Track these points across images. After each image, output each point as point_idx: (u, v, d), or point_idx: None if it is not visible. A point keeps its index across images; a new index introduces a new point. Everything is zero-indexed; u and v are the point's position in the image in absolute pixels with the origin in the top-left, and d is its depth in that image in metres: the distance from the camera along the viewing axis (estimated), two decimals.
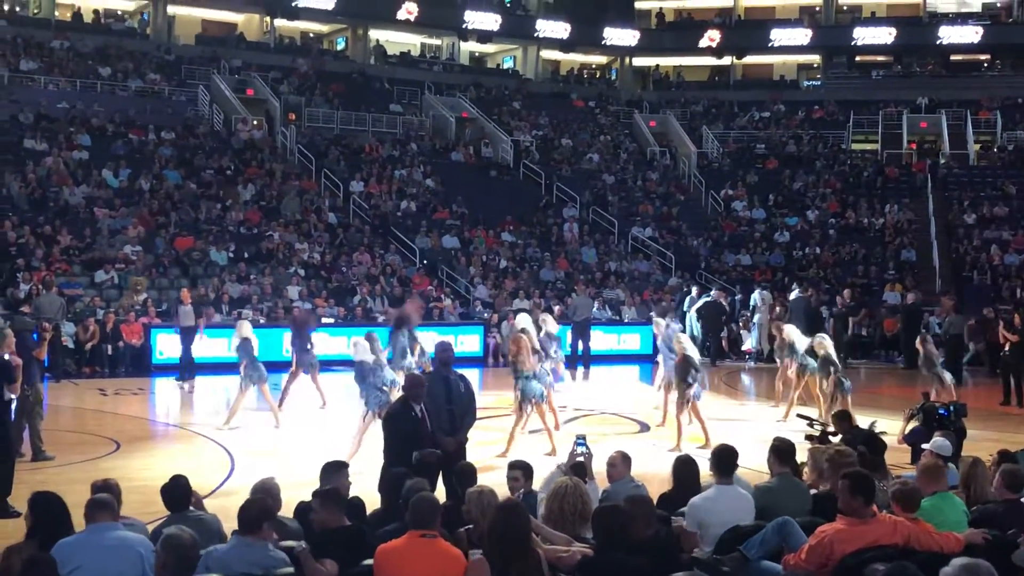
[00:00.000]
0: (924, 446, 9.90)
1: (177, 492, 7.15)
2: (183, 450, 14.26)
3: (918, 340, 17.62)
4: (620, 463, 8.27)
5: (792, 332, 17.29)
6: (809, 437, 10.82)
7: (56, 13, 39.05)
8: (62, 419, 16.07)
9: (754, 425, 16.13)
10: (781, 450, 8.22)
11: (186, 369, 19.97)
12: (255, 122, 35.10)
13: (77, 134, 30.23)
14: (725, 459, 7.66)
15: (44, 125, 30.38)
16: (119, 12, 41.79)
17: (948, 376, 17.18)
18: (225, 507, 9.64)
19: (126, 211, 27.02)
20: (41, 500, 6.44)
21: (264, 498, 6.64)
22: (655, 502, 7.68)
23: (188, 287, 22.55)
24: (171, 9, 41.13)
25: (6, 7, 39.25)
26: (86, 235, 25.58)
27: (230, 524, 7.39)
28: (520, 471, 7.96)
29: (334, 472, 7.67)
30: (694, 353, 14.83)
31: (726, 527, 7.09)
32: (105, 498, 6.31)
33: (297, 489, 8.11)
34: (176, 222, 27.30)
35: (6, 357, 11.01)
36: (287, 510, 7.28)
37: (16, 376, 10.93)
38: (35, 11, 40.09)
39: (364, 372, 13.43)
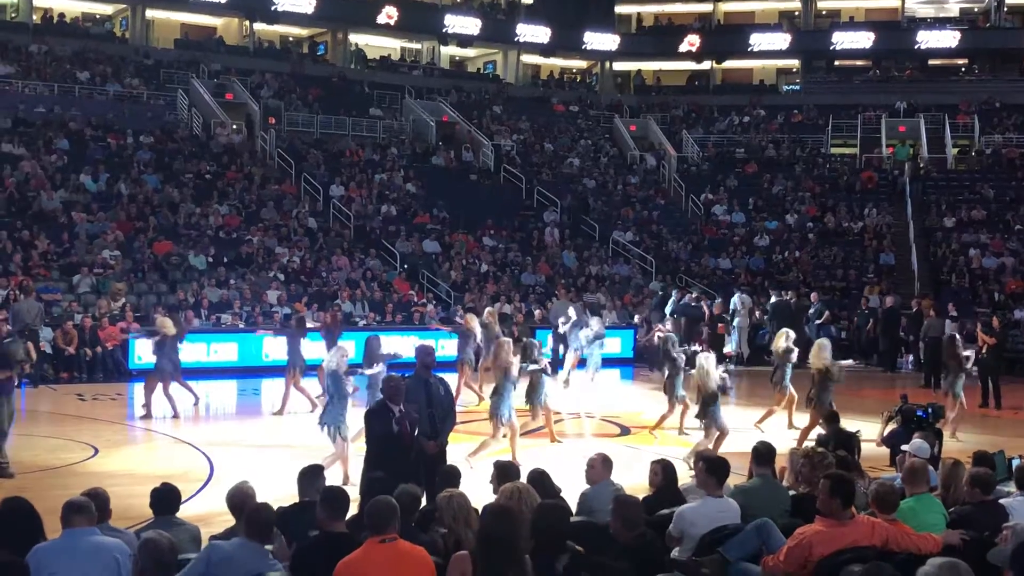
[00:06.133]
0: (903, 448, 9.94)
1: (165, 497, 7.13)
2: (162, 455, 14.20)
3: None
4: (599, 465, 8.18)
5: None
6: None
7: (34, 17, 38.86)
8: (40, 424, 15.98)
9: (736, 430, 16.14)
10: (761, 452, 8.25)
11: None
12: (234, 126, 34.99)
13: (55, 138, 30.07)
14: (717, 470, 7.62)
15: (22, 130, 30.21)
16: (97, 16, 41.60)
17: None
18: (205, 512, 9.64)
19: (104, 215, 26.88)
20: (7, 507, 6.20)
21: (270, 506, 6.54)
22: None
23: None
24: (150, 13, 40.97)
25: None
26: (64, 240, 25.46)
27: (208, 529, 7.38)
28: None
29: (312, 477, 7.63)
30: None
31: None
32: (82, 502, 6.20)
33: (274, 493, 8.07)
34: (155, 227, 27.18)
35: None
36: None
37: None
38: (12, 15, 39.85)
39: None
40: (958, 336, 17.89)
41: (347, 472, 11.78)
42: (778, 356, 16.75)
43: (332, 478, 9.53)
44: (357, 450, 11.47)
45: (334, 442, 12.22)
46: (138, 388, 20.56)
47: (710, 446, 13.09)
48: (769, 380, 17.04)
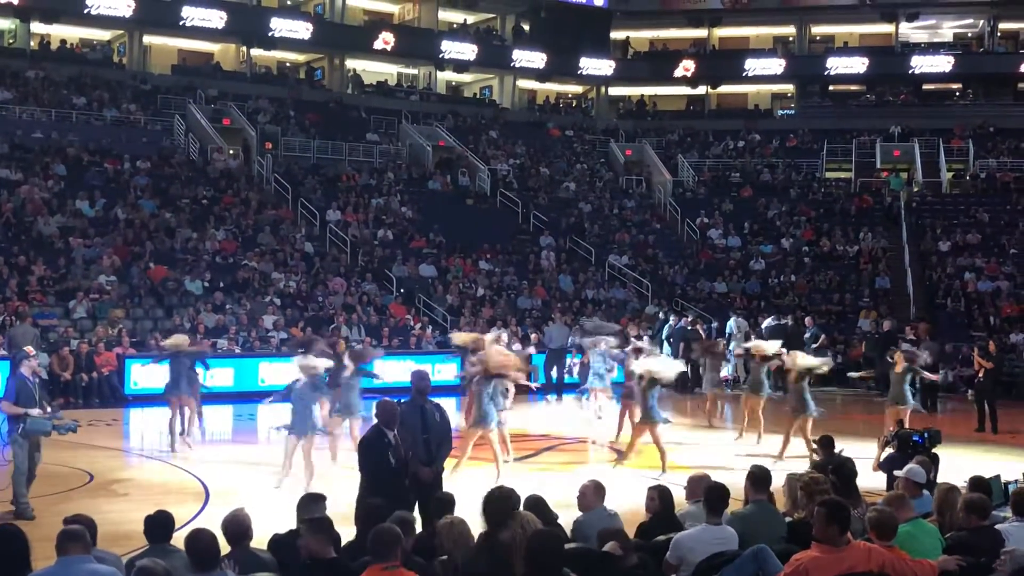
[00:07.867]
0: (898, 473, 9.92)
1: (159, 524, 7.10)
2: (157, 482, 14.15)
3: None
4: (591, 492, 8.09)
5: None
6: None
7: (31, 43, 38.96)
8: None
9: (731, 451, 16.15)
10: (757, 477, 8.21)
11: None
12: (231, 151, 35.05)
13: (52, 164, 30.11)
14: (716, 498, 7.59)
15: (19, 155, 30.26)
16: (95, 42, 41.73)
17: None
18: None
19: (101, 241, 26.90)
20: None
21: (207, 529, 6.51)
22: (634, 531, 7.68)
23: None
24: (147, 39, 41.10)
25: None
26: (60, 265, 25.45)
27: None
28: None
29: (311, 504, 7.60)
30: None
31: None
32: (77, 530, 6.19)
33: (271, 520, 8.04)
34: (151, 252, 27.18)
35: None
36: (259, 543, 7.21)
37: None
38: (9, 41, 39.97)
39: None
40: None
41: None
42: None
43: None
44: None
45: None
46: (134, 413, 20.60)
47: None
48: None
